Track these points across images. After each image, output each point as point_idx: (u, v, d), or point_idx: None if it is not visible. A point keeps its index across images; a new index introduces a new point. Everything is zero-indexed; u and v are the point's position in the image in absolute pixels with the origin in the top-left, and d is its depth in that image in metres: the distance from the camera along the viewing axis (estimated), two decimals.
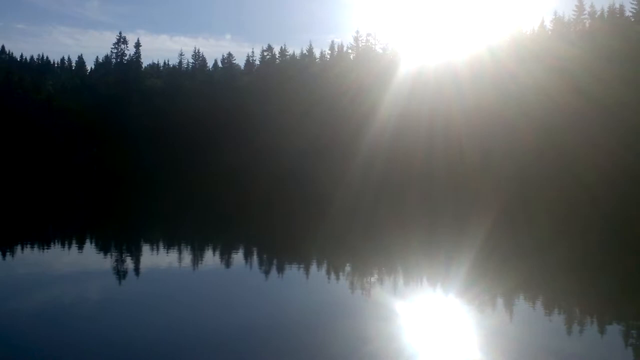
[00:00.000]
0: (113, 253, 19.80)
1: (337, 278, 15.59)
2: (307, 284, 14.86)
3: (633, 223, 28.72)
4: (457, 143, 55.67)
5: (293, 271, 16.63)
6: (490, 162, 52.74)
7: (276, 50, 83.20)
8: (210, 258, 18.55)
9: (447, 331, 10.62)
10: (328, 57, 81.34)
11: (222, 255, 19.36)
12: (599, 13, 60.91)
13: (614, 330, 11.01)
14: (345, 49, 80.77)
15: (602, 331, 10.87)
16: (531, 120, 52.40)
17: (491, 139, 54.09)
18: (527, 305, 12.76)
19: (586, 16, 62.47)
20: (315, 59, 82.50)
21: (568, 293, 14.04)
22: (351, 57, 78.52)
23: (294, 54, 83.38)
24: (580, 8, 62.52)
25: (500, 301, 12.82)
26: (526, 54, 57.08)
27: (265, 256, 19.38)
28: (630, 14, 58.46)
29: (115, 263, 17.46)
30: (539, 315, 11.88)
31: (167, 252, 19.21)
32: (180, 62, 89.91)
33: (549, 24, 64.45)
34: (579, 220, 29.98)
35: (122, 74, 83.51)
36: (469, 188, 46.61)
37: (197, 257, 18.69)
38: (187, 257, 18.58)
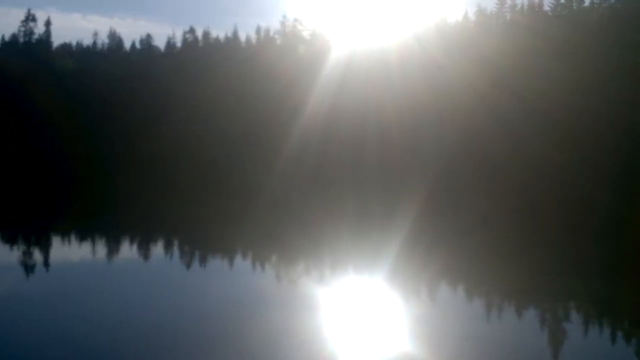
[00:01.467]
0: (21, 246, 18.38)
1: (263, 269, 15.23)
2: (231, 276, 14.29)
3: (550, 211, 29.56)
4: (387, 131, 55.94)
5: (216, 263, 16.16)
6: (419, 151, 53.45)
7: (199, 32, 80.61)
8: (129, 252, 17.71)
9: (372, 319, 10.54)
10: (254, 41, 79.58)
11: (141, 248, 18.49)
12: (519, 6, 62.72)
13: (531, 313, 11.38)
14: (272, 33, 79.40)
15: (519, 314, 11.24)
16: (457, 111, 53.47)
17: (420, 128, 54.87)
18: (449, 291, 13.05)
19: (507, 9, 64.14)
20: (240, 43, 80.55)
21: (487, 278, 14.29)
22: (278, 42, 77.21)
23: (218, 37, 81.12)
24: (502, 1, 64.09)
25: (424, 288, 13.06)
26: (452, 45, 57.96)
27: (186, 248, 18.87)
28: (548, 8, 60.56)
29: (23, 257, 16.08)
30: (460, 300, 12.17)
31: (80, 246, 18.30)
32: (94, 43, 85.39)
33: (472, 16, 65.78)
34: (501, 208, 30.57)
35: (30, 54, 78.28)
36: (398, 176, 47.06)
37: (116, 250, 17.75)
38: (103, 250, 17.56)
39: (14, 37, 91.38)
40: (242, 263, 15.73)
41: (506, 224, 23.90)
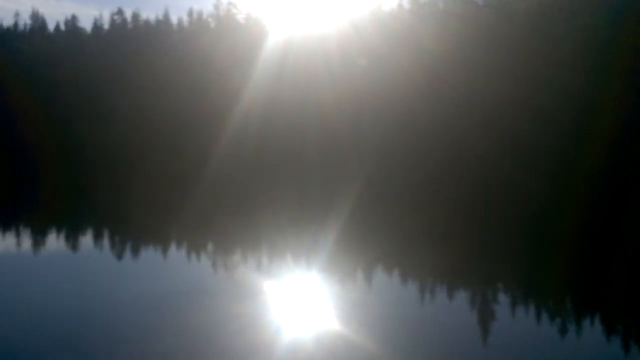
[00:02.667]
0: None
1: (199, 259, 14.82)
2: (167, 266, 14.06)
3: (481, 197, 30.52)
4: (327, 118, 56.02)
5: (151, 253, 15.80)
6: (358, 138, 53.92)
7: (128, 15, 77.69)
8: (56, 244, 16.97)
9: (310, 306, 10.65)
10: (187, 25, 77.51)
11: (68, 241, 17.81)
12: None
13: (462, 295, 11.76)
14: (205, 17, 77.54)
15: (450, 296, 11.60)
16: (395, 98, 54.11)
17: (359, 115, 55.22)
18: (384, 276, 13.29)
19: None
20: (172, 26, 78.24)
21: (420, 262, 14.61)
22: (212, 26, 75.55)
23: (148, 20, 78.47)
24: None
25: (360, 273, 13.21)
26: (388, 33, 58.51)
27: (117, 240, 18.22)
28: None
29: None
30: (395, 284, 12.45)
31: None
32: (16, 24, 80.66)
33: (406, 4, 66.51)
34: (435, 195, 31.30)
35: None
36: (338, 163, 47.41)
37: (37, 243, 16.94)
38: (24, 242, 16.76)
39: None
40: (176, 253, 15.38)
41: (438, 211, 24.53)
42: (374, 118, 54.48)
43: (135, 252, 15.67)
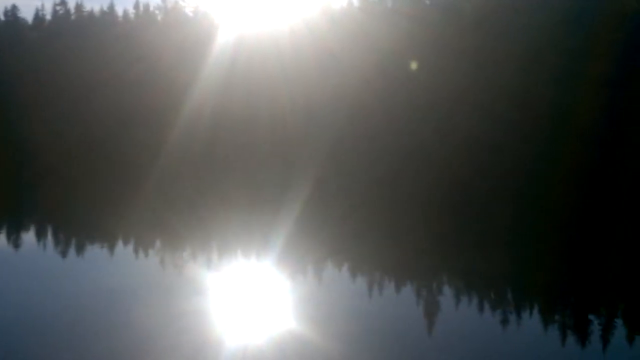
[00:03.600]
0: None
1: (146, 254, 14.55)
2: (112, 263, 13.79)
3: (430, 193, 31.06)
4: (279, 113, 55.89)
5: (96, 250, 15.35)
6: (311, 133, 54.05)
7: (71, 5, 74.99)
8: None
9: (259, 301, 10.63)
10: (132, 17, 75.54)
11: (14, 235, 17.17)
12: None
13: (408, 289, 12.05)
14: (152, 9, 75.78)
15: (397, 289, 11.85)
16: (347, 94, 54.76)
17: (312, 112, 55.38)
18: (334, 271, 13.41)
19: None
20: (117, 17, 76.13)
21: (370, 257, 14.87)
22: (159, 18, 73.96)
23: (92, 11, 76.08)
24: None
25: (310, 268, 13.26)
26: (339, 29, 58.89)
27: (61, 236, 17.47)
28: None
29: None
30: (344, 279, 12.61)
31: None
32: None
33: (356, 1, 66.88)
34: (385, 193, 31.65)
35: None
36: (290, 158, 47.31)
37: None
38: None
39: None
40: (122, 249, 15.04)
41: (389, 207, 24.84)
42: (326, 114, 54.75)
43: (80, 249, 15.23)
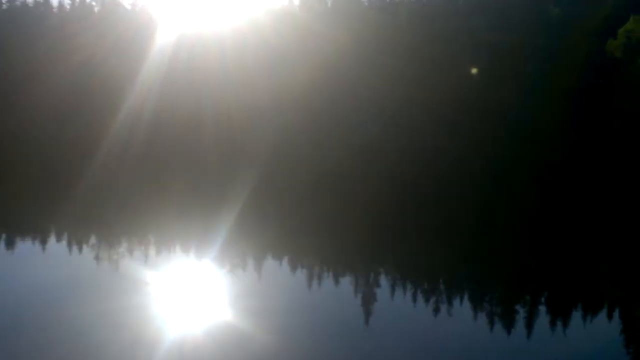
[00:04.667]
0: None
1: (81, 252, 14.13)
2: (46, 260, 13.41)
3: (373, 190, 31.59)
4: (223, 112, 55.40)
5: (28, 247, 14.71)
6: (255, 134, 53.87)
7: None
8: None
9: (198, 297, 10.63)
10: (68, 8, 72.88)
11: None
12: None
13: (346, 280, 12.28)
14: (88, 0, 73.23)
15: (336, 282, 12.07)
16: (290, 95, 54.89)
17: (256, 110, 55.20)
18: (274, 267, 13.44)
19: None
20: (52, 8, 73.25)
21: (309, 250, 15.03)
22: (95, 10, 71.64)
23: (26, 1, 72.92)
24: None
25: (250, 265, 13.26)
26: (279, 27, 58.98)
27: None
28: None
29: None
30: (284, 275, 12.64)
31: None
32: None
33: (296, 0, 66.99)
34: (329, 191, 31.90)
35: None
36: (233, 158, 46.88)
37: None
38: None
39: None
40: (56, 247, 14.58)
41: (332, 204, 25.00)
42: (270, 111, 54.76)
43: (11, 246, 14.70)
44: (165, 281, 11.78)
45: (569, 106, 51.07)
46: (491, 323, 9.84)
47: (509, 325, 9.71)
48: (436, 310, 10.32)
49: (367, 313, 10.21)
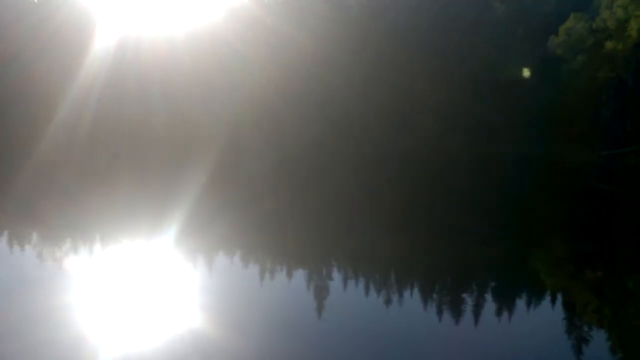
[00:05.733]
0: None
1: (18, 247, 13.50)
2: None
3: (323, 180, 31.75)
4: (175, 108, 54.73)
5: None
6: (208, 122, 53.61)
7: None
8: None
9: (145, 292, 10.33)
10: None
11: None
12: None
13: (299, 274, 12.15)
14: None
15: (289, 276, 11.94)
16: (243, 88, 55.14)
17: (208, 102, 54.92)
18: (227, 258, 13.30)
19: None
20: None
21: (261, 244, 14.95)
22: (35, 0, 68.83)
23: None
24: None
25: (201, 256, 13.07)
26: (232, 21, 58.98)
27: None
28: None
29: None
30: (236, 265, 12.53)
31: None
32: None
33: None
34: (281, 180, 31.83)
35: None
36: (185, 148, 46.26)
37: None
38: None
39: None
40: None
41: (283, 194, 24.96)
42: (223, 103, 54.56)
43: None
44: (109, 276, 11.33)
45: (512, 100, 52.88)
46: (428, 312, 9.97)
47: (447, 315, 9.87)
48: (379, 297, 10.40)
49: (319, 305, 10.14)
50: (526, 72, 53.93)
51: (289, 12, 59.78)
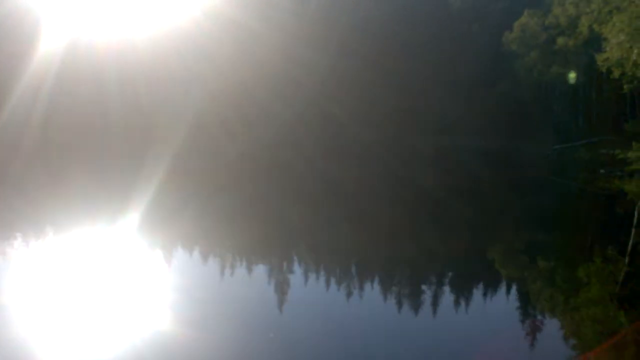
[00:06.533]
0: None
1: None
2: None
3: (286, 173, 31.74)
4: (133, 101, 53.71)
5: None
6: (167, 114, 52.95)
7: None
8: None
9: (105, 289, 10.07)
10: None
11: None
12: None
13: (260, 269, 12.14)
14: None
15: (250, 270, 11.89)
16: (208, 82, 54.98)
17: (171, 97, 54.37)
18: (187, 253, 13.17)
19: None
20: None
21: (224, 239, 14.94)
22: None
23: None
24: None
25: (160, 253, 12.99)
26: (197, 16, 58.44)
27: None
28: None
29: None
30: (195, 260, 12.46)
31: None
32: None
33: None
34: (242, 173, 31.68)
35: None
36: (143, 145, 45.35)
37: None
38: None
39: None
40: None
41: (242, 188, 24.82)
42: (184, 95, 54.09)
43: None
44: (59, 274, 11.00)
45: (468, 94, 54.00)
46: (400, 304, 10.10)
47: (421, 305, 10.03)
48: (344, 288, 10.47)
49: (283, 299, 10.16)
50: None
51: (252, 4, 59.57)
